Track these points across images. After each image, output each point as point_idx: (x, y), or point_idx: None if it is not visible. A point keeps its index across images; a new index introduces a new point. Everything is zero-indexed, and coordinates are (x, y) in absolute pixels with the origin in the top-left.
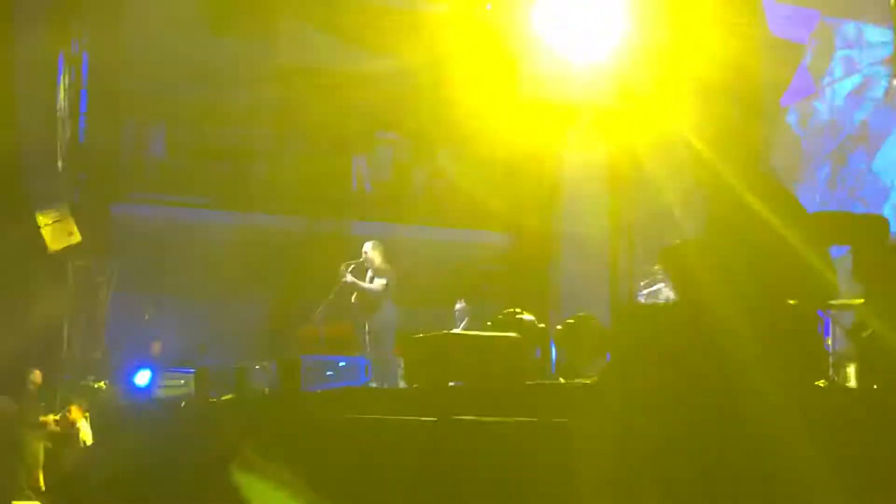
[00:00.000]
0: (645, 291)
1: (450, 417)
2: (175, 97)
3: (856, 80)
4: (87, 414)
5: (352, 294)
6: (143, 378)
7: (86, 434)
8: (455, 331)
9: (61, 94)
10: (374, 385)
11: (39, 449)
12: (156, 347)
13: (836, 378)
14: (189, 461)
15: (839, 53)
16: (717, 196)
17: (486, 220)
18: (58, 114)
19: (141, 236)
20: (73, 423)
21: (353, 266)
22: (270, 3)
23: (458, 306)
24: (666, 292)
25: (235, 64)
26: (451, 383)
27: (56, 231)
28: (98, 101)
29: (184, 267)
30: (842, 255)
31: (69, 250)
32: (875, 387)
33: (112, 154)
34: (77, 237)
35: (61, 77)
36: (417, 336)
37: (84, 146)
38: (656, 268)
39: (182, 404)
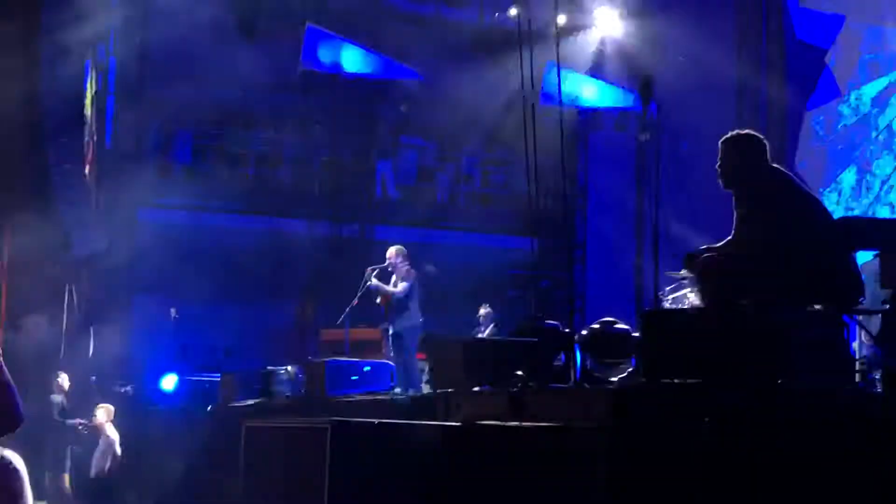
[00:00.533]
0: (670, 297)
1: (474, 422)
2: (201, 103)
3: (880, 84)
4: (114, 417)
5: (376, 298)
6: (169, 382)
7: (112, 437)
8: (479, 336)
9: (88, 100)
10: (398, 390)
11: (66, 452)
12: (181, 352)
13: (862, 384)
14: (214, 465)
15: (864, 58)
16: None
17: (510, 225)
18: (85, 119)
19: (167, 241)
20: (99, 427)
21: (377, 270)
22: (296, 9)
23: (482, 311)
24: (691, 298)
25: (261, 70)
26: (475, 388)
27: None
28: (125, 107)
29: (209, 271)
30: (868, 261)
31: (96, 255)
32: None
33: (138, 159)
34: None
35: (88, 82)
36: (442, 341)
37: (111, 151)
38: (682, 273)
39: (208, 409)
